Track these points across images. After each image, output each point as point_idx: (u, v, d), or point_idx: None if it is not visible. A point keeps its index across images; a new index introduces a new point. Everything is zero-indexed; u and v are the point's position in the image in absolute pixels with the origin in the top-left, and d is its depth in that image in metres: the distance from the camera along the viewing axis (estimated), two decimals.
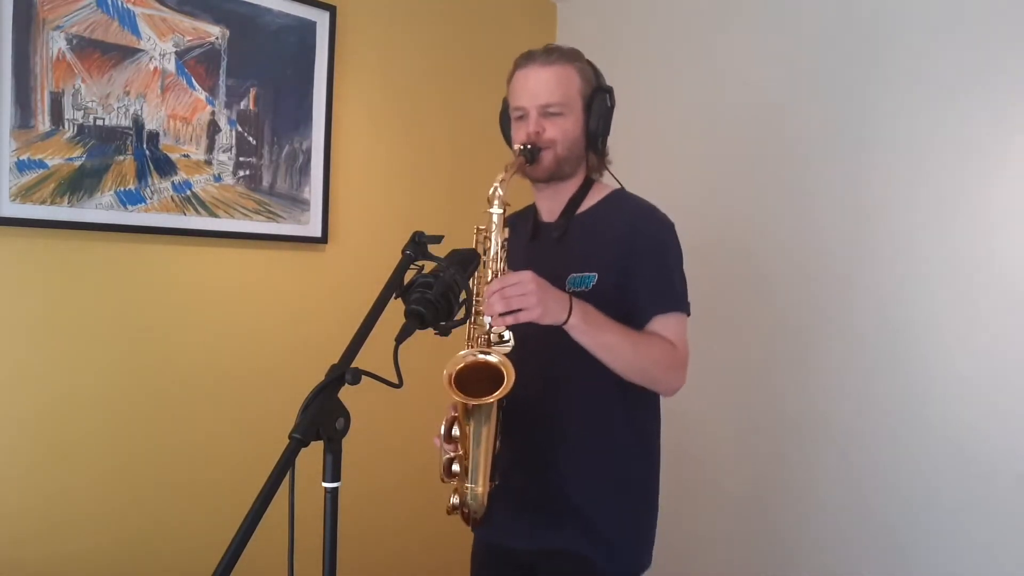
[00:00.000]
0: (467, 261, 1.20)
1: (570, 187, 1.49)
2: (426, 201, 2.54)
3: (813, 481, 2.21)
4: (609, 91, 1.47)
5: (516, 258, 1.45)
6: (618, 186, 1.54)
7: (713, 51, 2.50)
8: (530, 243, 1.53)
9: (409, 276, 1.14)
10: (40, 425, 1.79)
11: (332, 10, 2.24)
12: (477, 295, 1.34)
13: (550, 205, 1.52)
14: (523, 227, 1.56)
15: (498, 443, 1.36)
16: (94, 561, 1.86)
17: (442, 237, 1.18)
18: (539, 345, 1.32)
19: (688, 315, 1.43)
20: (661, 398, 1.49)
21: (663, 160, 2.55)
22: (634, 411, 1.45)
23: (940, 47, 1.97)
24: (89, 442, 1.86)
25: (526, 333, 1.30)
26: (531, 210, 1.59)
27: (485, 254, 1.35)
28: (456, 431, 1.34)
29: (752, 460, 2.36)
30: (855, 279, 2.13)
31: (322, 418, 0.88)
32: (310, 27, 2.21)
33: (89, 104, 1.83)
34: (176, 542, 2.00)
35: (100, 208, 1.86)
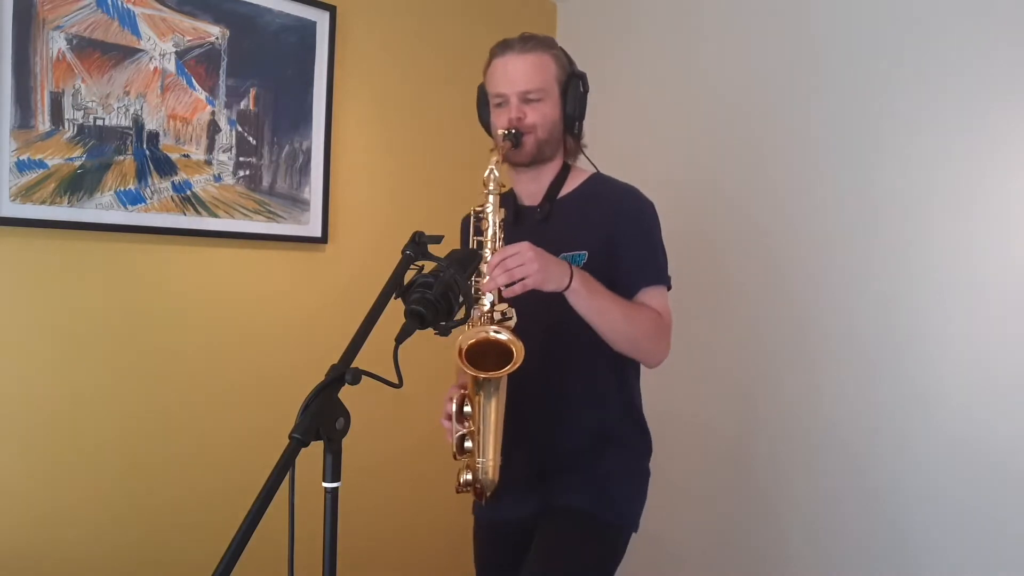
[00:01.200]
0: (467, 261, 1.21)
1: (549, 171, 1.55)
2: (426, 201, 2.54)
3: (817, 479, 2.21)
4: (582, 76, 1.53)
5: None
6: (594, 170, 1.60)
7: (714, 49, 2.50)
8: (513, 227, 1.54)
9: (409, 276, 1.14)
10: (40, 425, 1.79)
11: (332, 10, 2.24)
12: (476, 276, 1.36)
13: (531, 188, 1.57)
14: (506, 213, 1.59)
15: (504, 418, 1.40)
16: (95, 562, 1.86)
17: (442, 237, 1.18)
18: (538, 321, 1.36)
19: (669, 288, 1.51)
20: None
21: (663, 159, 2.55)
22: (624, 382, 1.54)
23: (950, 42, 1.97)
24: (89, 441, 1.86)
25: (524, 311, 1.35)
26: (510, 196, 1.62)
27: (483, 234, 1.40)
28: (468, 408, 1.38)
29: (755, 458, 2.36)
30: (860, 276, 2.13)
31: (322, 418, 0.88)
32: (310, 27, 2.21)
33: (89, 104, 1.83)
34: (176, 542, 2.00)
35: (100, 208, 1.86)
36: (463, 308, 1.15)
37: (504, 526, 1.56)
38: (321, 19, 2.23)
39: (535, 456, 1.49)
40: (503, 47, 1.51)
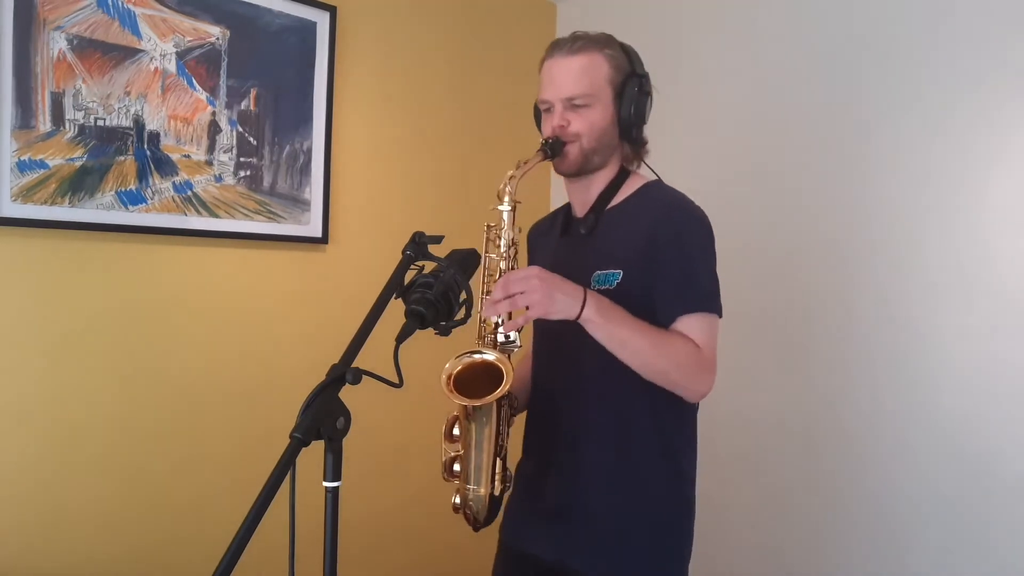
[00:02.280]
0: (467, 261, 1.20)
1: (602, 179, 1.42)
2: (426, 201, 2.55)
3: (814, 479, 2.21)
4: (644, 76, 1.40)
5: (546, 254, 1.42)
6: (655, 178, 1.46)
7: (713, 51, 2.50)
8: (560, 239, 1.49)
9: (409, 276, 1.14)
10: (40, 424, 1.79)
11: (332, 11, 2.24)
12: (486, 294, 1.31)
13: (582, 198, 1.45)
14: (555, 224, 1.53)
15: (503, 445, 1.33)
16: (96, 562, 1.86)
17: (442, 237, 1.18)
18: (563, 348, 1.29)
19: (719, 315, 1.33)
20: (697, 411, 1.42)
21: (663, 159, 2.55)
22: (660, 422, 1.36)
23: (947, 42, 1.97)
24: (89, 441, 1.86)
25: (549, 336, 1.28)
26: (566, 205, 1.53)
27: (495, 252, 1.33)
28: (457, 430, 1.33)
29: (753, 458, 2.36)
30: (857, 277, 2.13)
31: (323, 418, 0.88)
32: (311, 27, 2.21)
33: (90, 104, 1.84)
34: (176, 542, 2.00)
35: (101, 208, 1.86)
36: (463, 308, 1.15)
37: (524, 557, 1.44)
38: (321, 19, 2.23)
39: (553, 494, 1.39)
40: (552, 48, 1.40)
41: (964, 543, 1.91)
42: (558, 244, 1.48)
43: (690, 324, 1.29)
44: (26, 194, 1.75)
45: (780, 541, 2.28)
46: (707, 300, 1.32)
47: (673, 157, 2.57)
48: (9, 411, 1.75)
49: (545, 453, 1.40)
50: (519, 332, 1.28)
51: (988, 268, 1.89)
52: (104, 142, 1.86)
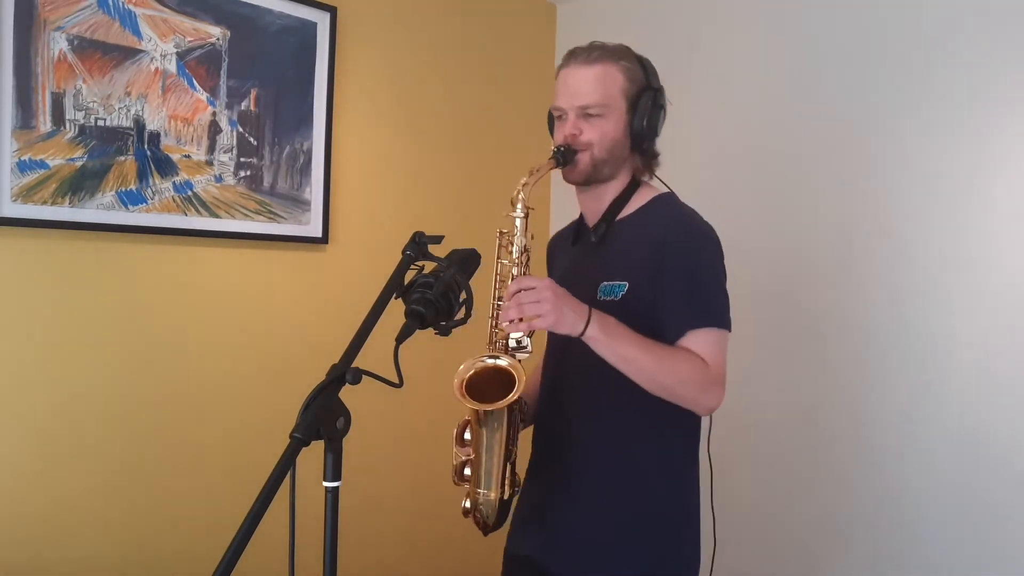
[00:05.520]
0: (467, 261, 1.20)
1: (612, 189, 1.43)
2: (426, 201, 2.55)
3: (825, 478, 2.21)
4: (659, 90, 1.41)
5: (559, 262, 1.42)
6: (667, 190, 1.47)
7: (714, 52, 2.50)
8: (573, 247, 1.50)
9: (410, 276, 1.14)
10: (41, 425, 1.79)
11: (333, 11, 2.24)
12: (498, 299, 1.32)
13: (594, 207, 1.46)
14: (570, 233, 1.54)
15: (514, 449, 1.34)
16: (95, 562, 1.86)
17: (442, 237, 1.18)
18: (570, 356, 1.30)
19: (728, 330, 1.33)
20: (702, 422, 1.43)
21: (663, 158, 2.55)
22: (664, 431, 1.38)
23: (950, 44, 1.97)
24: (90, 441, 1.86)
25: (558, 346, 1.29)
26: (581, 213, 1.54)
27: (507, 257, 1.34)
28: (468, 435, 1.34)
29: (764, 456, 2.36)
30: (869, 277, 2.13)
31: (323, 418, 0.89)
32: (311, 28, 2.21)
33: (90, 105, 1.84)
34: (176, 542, 2.00)
35: (101, 208, 1.86)
36: (463, 308, 1.15)
37: (528, 562, 1.44)
38: (322, 20, 2.23)
39: (554, 502, 1.40)
40: (569, 57, 1.40)
41: (977, 537, 1.91)
42: (572, 251, 1.50)
43: (698, 339, 1.29)
44: (26, 194, 1.75)
45: (796, 538, 2.28)
46: (715, 315, 1.32)
47: (677, 157, 2.58)
48: (9, 410, 1.75)
49: (551, 464, 1.41)
50: (530, 337, 1.28)
51: (1002, 267, 1.89)
52: (104, 142, 1.86)
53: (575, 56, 1.39)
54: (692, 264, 1.33)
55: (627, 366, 1.25)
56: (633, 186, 1.44)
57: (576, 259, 1.47)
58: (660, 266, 1.31)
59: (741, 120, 2.43)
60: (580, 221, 1.53)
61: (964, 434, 1.94)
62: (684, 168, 2.56)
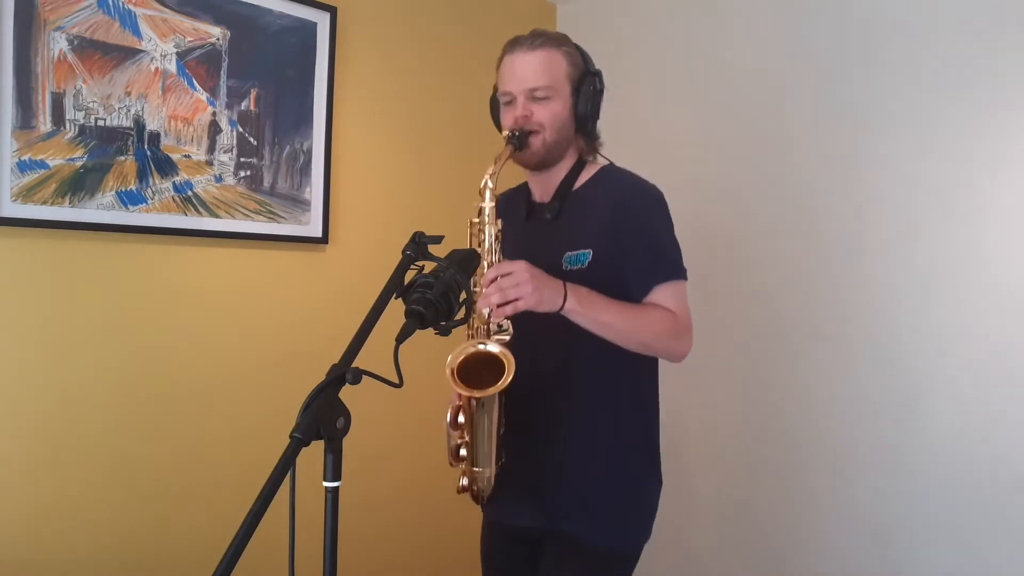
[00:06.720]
0: (467, 261, 1.21)
1: (562, 170, 1.51)
2: (427, 201, 2.55)
3: (806, 485, 2.21)
4: (598, 74, 1.48)
5: (512, 239, 1.45)
6: (607, 162, 1.55)
7: (712, 50, 2.50)
8: (525, 223, 1.54)
9: (410, 276, 1.14)
10: (41, 425, 1.79)
11: (333, 11, 2.24)
12: (475, 287, 1.34)
13: (544, 186, 1.53)
14: (517, 207, 1.58)
15: (503, 427, 1.40)
16: (96, 561, 1.86)
17: (442, 237, 1.18)
18: (541, 329, 1.33)
19: (685, 279, 1.44)
20: (659, 364, 1.52)
21: (663, 158, 2.55)
22: (636, 378, 1.48)
23: (941, 44, 1.98)
24: (90, 441, 1.86)
25: (531, 316, 1.32)
26: (524, 189, 1.60)
27: (480, 247, 1.37)
28: (462, 418, 1.39)
29: (745, 463, 2.36)
30: (850, 282, 2.13)
31: (323, 417, 0.89)
32: (311, 28, 2.21)
33: (90, 105, 1.84)
34: (177, 543, 2.00)
35: (101, 208, 1.86)
36: (463, 308, 1.15)
37: (510, 530, 1.55)
38: (322, 20, 2.23)
39: (536, 468, 1.47)
40: (512, 44, 1.47)
41: (961, 544, 1.90)
42: (524, 228, 1.53)
43: (664, 293, 1.40)
44: (26, 194, 1.75)
45: (770, 548, 2.28)
46: (675, 268, 1.43)
47: (668, 154, 2.58)
48: (9, 410, 1.75)
49: (526, 432, 1.45)
50: (509, 320, 1.32)
51: (986, 272, 1.89)
52: (104, 142, 1.86)
53: (519, 43, 1.46)
54: (649, 223, 1.43)
55: (606, 331, 1.33)
56: (580, 164, 1.52)
57: (531, 235, 1.51)
58: (619, 229, 1.40)
59: (734, 117, 2.43)
60: (529, 197, 1.57)
61: (943, 442, 1.95)
62: (676, 163, 2.59)
